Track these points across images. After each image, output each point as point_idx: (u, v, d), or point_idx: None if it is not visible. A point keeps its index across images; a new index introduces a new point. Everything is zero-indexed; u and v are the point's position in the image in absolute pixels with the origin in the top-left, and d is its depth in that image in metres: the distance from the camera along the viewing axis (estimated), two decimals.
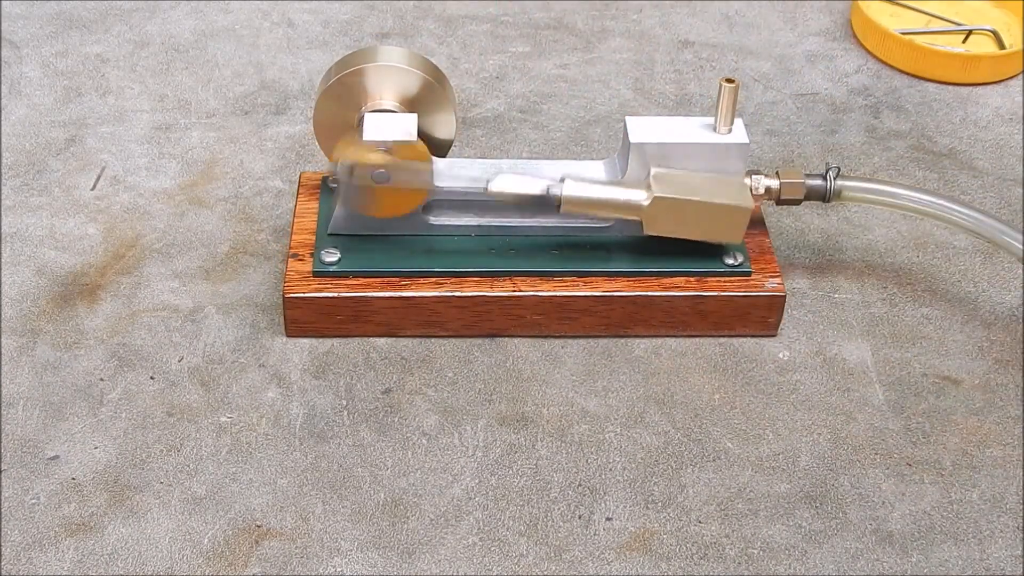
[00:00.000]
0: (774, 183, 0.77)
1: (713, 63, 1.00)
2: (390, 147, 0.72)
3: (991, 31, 1.03)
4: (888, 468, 0.70)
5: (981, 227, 0.75)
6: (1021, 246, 0.74)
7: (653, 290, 0.75)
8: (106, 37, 1.01)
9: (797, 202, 0.77)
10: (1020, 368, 0.76)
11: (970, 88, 0.99)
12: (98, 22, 1.02)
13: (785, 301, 0.76)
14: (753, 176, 0.76)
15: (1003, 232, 0.74)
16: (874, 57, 1.02)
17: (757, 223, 0.79)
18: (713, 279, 0.76)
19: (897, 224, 0.85)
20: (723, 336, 0.76)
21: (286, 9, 1.05)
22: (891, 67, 1.01)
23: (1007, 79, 1.00)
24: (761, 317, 0.76)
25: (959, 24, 1.03)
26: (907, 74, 1.00)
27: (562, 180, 0.73)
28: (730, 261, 0.76)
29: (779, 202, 0.77)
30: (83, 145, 0.90)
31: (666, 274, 0.76)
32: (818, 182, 0.77)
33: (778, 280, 0.76)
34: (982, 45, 1.02)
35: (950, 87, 0.99)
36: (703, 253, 0.76)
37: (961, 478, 0.70)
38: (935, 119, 0.96)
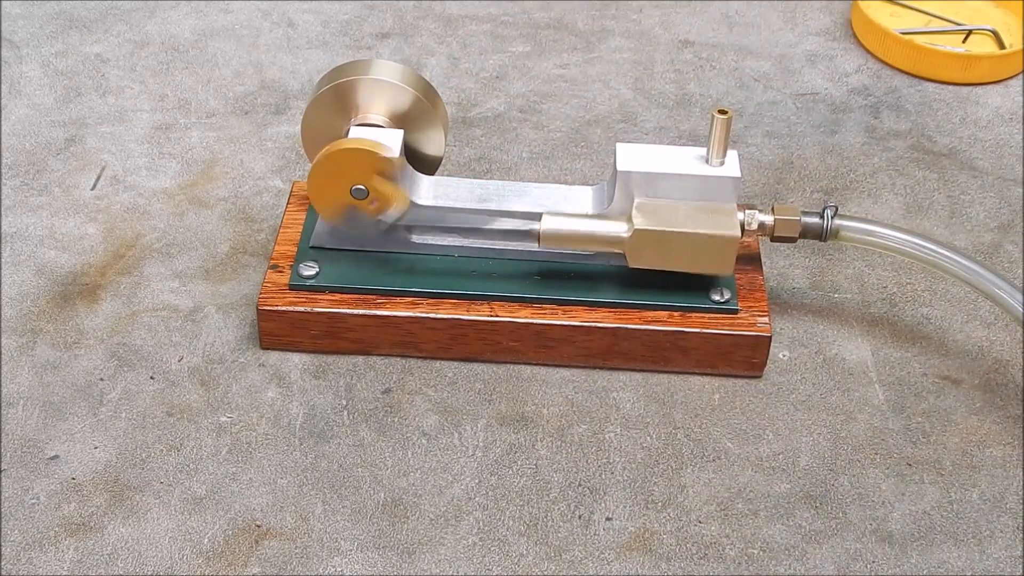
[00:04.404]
0: (768, 219, 0.74)
1: (713, 63, 1.00)
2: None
3: (991, 31, 1.03)
4: (888, 468, 0.70)
5: (981, 282, 0.72)
6: (1022, 308, 0.70)
7: (634, 323, 0.73)
8: (106, 37, 1.01)
9: (792, 239, 0.75)
10: (1020, 368, 0.76)
11: (970, 88, 0.99)
12: (98, 22, 1.02)
13: (771, 342, 0.74)
14: (747, 211, 0.74)
15: (1002, 289, 0.71)
16: (874, 57, 1.02)
17: (752, 259, 0.77)
18: (697, 315, 0.74)
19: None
20: (706, 374, 0.75)
21: (286, 9, 1.05)
22: (891, 67, 1.01)
23: (1007, 79, 1.00)
24: (745, 357, 0.74)
25: (959, 24, 1.03)
26: (907, 74, 1.00)
27: (540, 218, 0.72)
28: (716, 297, 0.74)
29: (773, 239, 0.75)
30: (83, 145, 0.90)
31: (648, 307, 0.74)
32: (815, 220, 0.74)
33: (766, 319, 0.74)
34: (982, 45, 1.02)
35: (950, 87, 0.99)
36: (689, 287, 0.74)
37: (961, 478, 0.70)
38: (935, 119, 0.96)
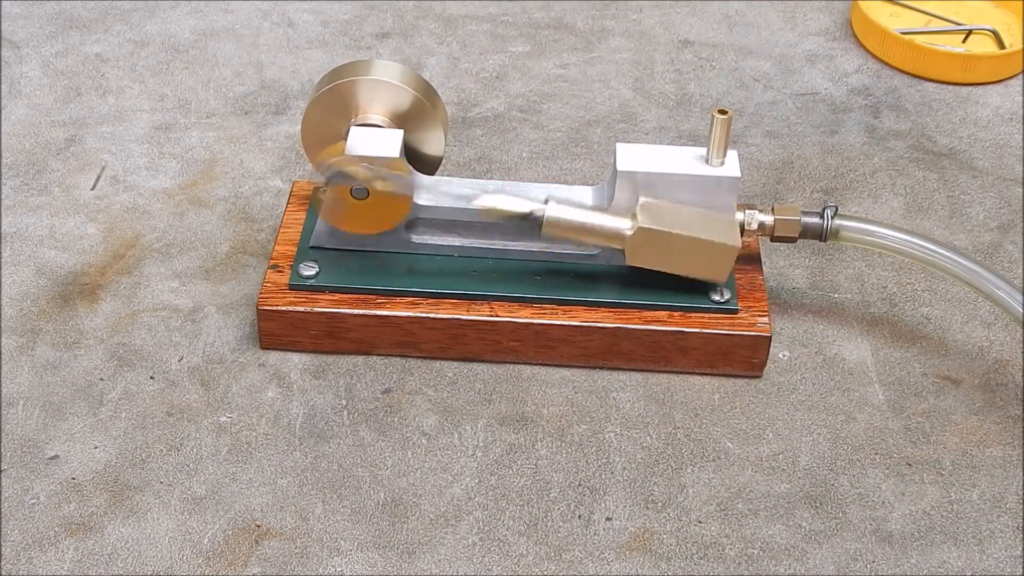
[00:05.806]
0: (768, 219, 0.74)
1: (713, 63, 1.00)
2: (372, 162, 0.72)
3: (991, 31, 1.03)
4: (888, 468, 0.70)
5: (981, 282, 0.72)
6: (1021, 308, 0.70)
7: (634, 323, 0.73)
8: (106, 37, 1.01)
9: (792, 239, 0.75)
10: (1020, 368, 0.76)
11: (970, 88, 0.99)
12: (98, 22, 1.02)
13: (771, 342, 0.74)
14: (747, 211, 0.74)
15: (1002, 290, 0.71)
16: (874, 57, 1.02)
17: (752, 259, 0.77)
18: (697, 315, 0.74)
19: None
20: (706, 374, 0.75)
21: (286, 9, 1.05)
22: (891, 67, 1.01)
23: (1007, 79, 1.00)
24: (745, 357, 0.74)
25: (959, 24, 1.03)
26: (907, 74, 1.00)
27: (546, 202, 0.72)
28: (716, 297, 0.74)
29: (773, 239, 0.75)
30: (83, 145, 0.90)
31: (648, 307, 0.74)
32: (815, 220, 0.74)
33: (766, 319, 0.74)
34: (982, 45, 1.02)
35: (950, 87, 0.99)
36: (689, 288, 0.74)
37: (961, 478, 0.70)
38: (935, 119, 0.96)
